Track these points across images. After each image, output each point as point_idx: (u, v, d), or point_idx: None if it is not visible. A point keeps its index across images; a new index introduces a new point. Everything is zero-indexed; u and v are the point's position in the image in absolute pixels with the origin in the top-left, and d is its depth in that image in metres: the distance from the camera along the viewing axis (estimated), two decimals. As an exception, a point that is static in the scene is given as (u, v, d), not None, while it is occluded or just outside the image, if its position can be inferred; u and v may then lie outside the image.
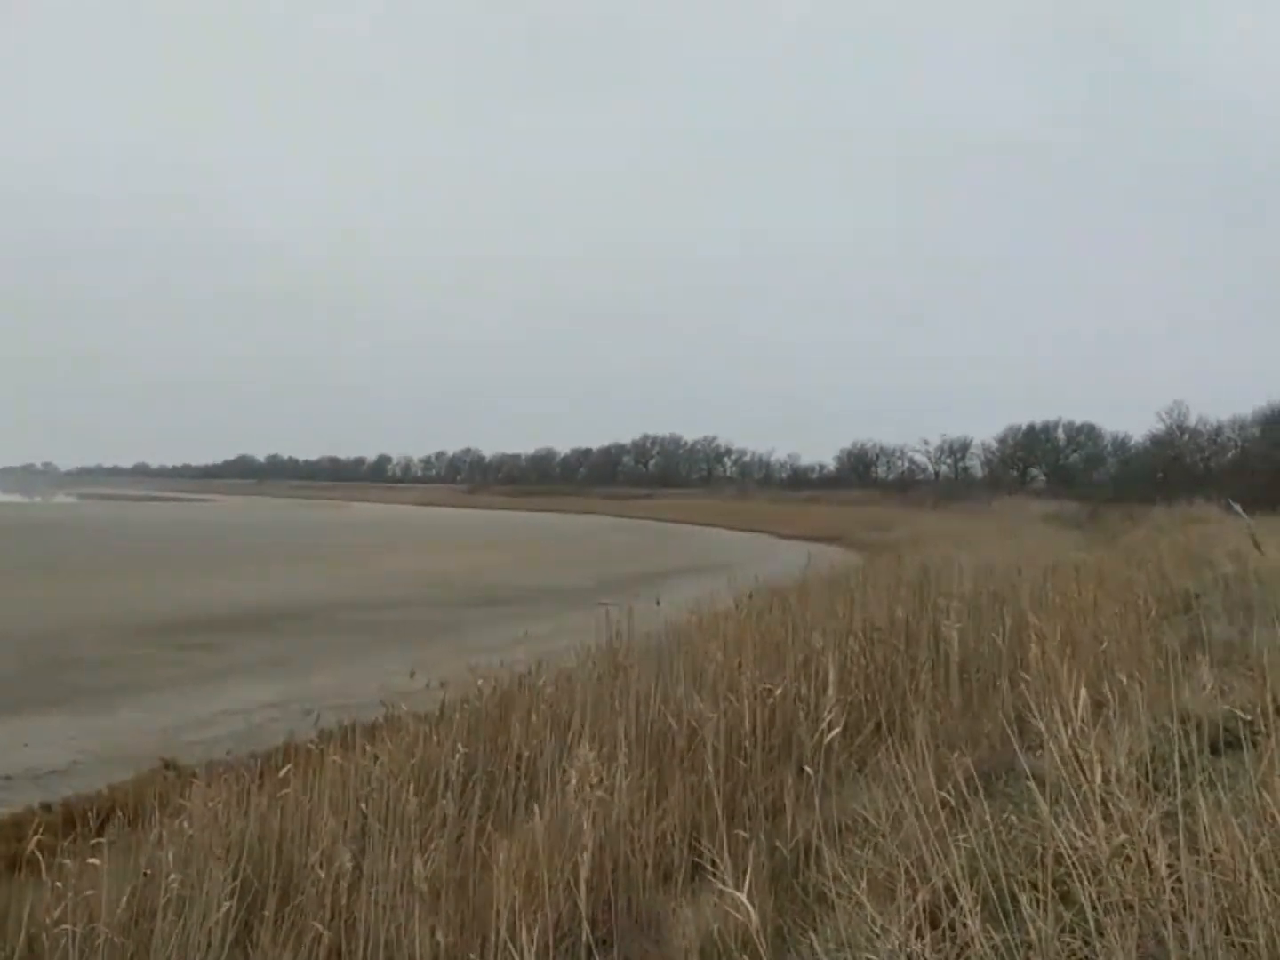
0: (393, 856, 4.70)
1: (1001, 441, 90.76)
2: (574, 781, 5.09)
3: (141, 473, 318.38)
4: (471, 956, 4.39)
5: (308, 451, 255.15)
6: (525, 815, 5.76)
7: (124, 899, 4.51)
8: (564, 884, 4.80)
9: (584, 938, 4.43)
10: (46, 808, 8.96)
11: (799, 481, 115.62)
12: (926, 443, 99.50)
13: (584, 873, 4.65)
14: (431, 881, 4.77)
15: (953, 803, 4.35)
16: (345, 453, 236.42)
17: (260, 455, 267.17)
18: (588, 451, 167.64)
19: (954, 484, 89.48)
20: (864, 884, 3.69)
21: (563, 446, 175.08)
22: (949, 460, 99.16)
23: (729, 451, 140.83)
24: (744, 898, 2.99)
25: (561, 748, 6.45)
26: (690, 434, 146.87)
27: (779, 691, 6.64)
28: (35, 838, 5.80)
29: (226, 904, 4.28)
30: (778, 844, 5.53)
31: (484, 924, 4.52)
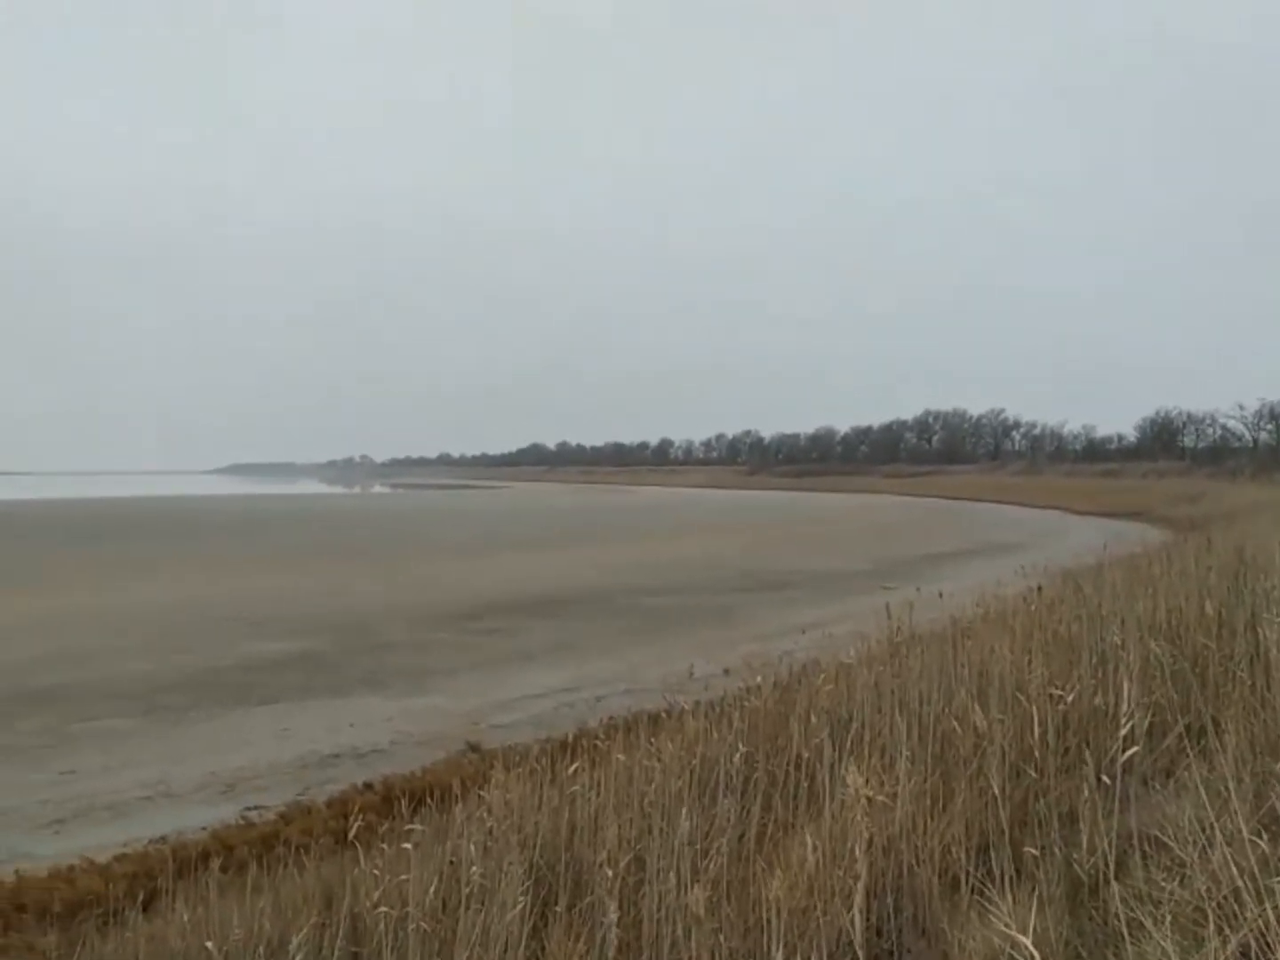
0: (676, 857, 4.81)
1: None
2: (853, 786, 5.03)
3: (445, 462, 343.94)
4: (754, 960, 4.44)
5: (594, 438, 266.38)
6: (806, 819, 5.75)
7: (432, 887, 4.86)
8: (844, 891, 4.76)
9: (867, 949, 4.38)
10: (369, 786, 9.79)
11: (1095, 454, 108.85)
12: (1242, 408, 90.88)
13: (864, 881, 4.60)
14: (714, 884, 4.85)
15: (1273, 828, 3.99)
16: (629, 438, 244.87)
17: (550, 443, 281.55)
18: (868, 429, 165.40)
19: (1276, 452, 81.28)
20: (1167, 920, 3.44)
21: (843, 425, 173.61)
22: (1269, 427, 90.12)
23: (1017, 424, 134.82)
24: (1028, 941, 2.85)
25: (841, 750, 6.39)
26: (975, 407, 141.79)
27: (1071, 698, 6.27)
28: (358, 821, 6.38)
29: (522, 899, 4.53)
30: (1073, 858, 5.25)
31: (765, 928, 4.55)
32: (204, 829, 9.20)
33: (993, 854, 5.18)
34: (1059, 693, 6.36)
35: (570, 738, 7.28)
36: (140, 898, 7.34)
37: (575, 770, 6.04)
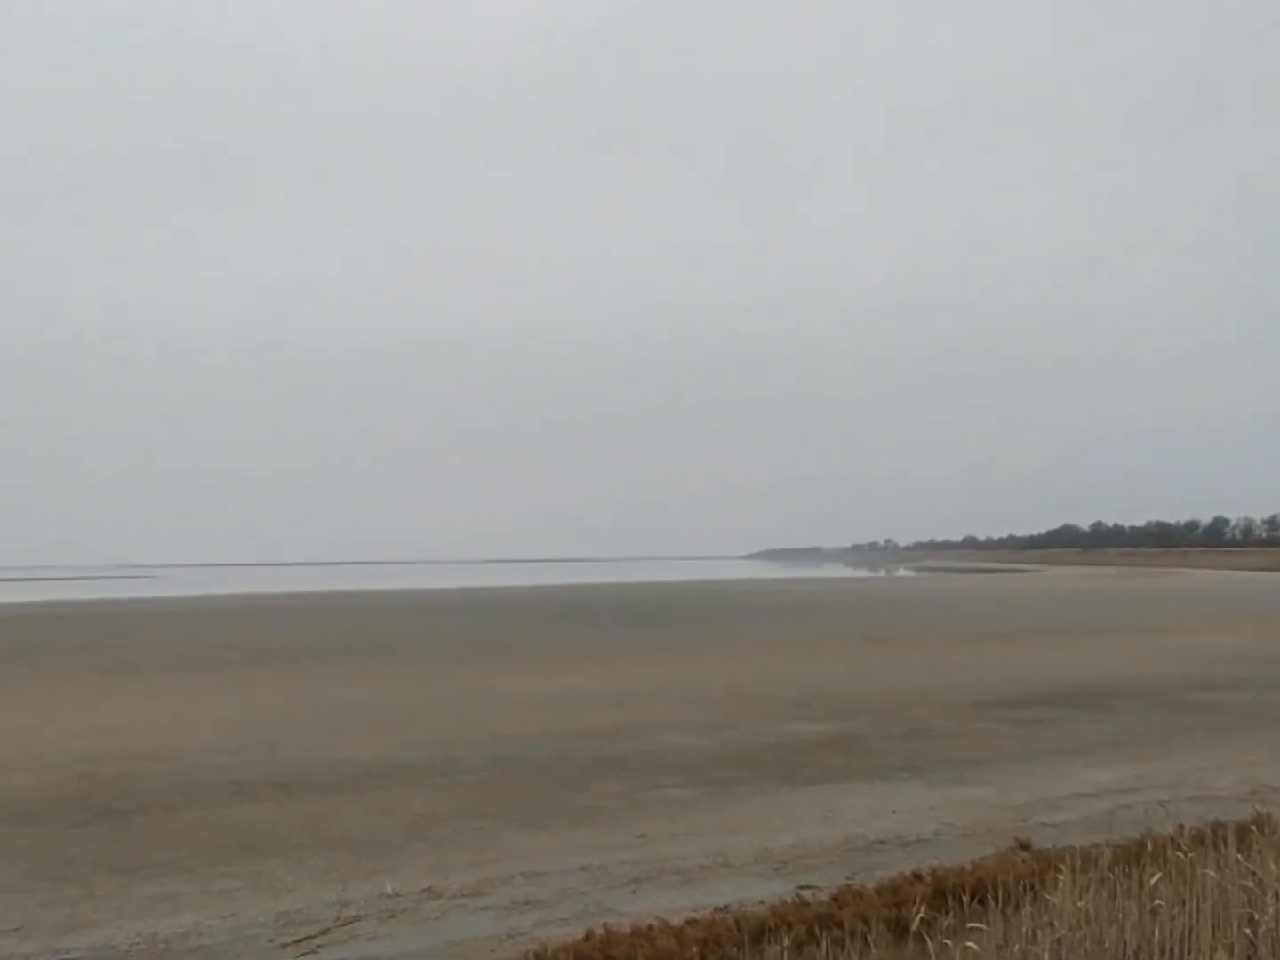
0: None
1: None
2: None
3: (969, 545, 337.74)
4: None
5: (1134, 517, 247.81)
6: None
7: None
8: None
9: None
10: (918, 877, 9.68)
11: None
12: None
13: None
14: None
15: None
16: (1175, 516, 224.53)
17: (1084, 524, 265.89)
18: None
19: None
20: None
21: None
22: None
23: None
24: None
25: None
26: None
27: None
28: (919, 913, 6.39)
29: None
30: None
31: None
32: (762, 902, 9.61)
33: None
34: None
35: (1149, 846, 6.74)
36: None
37: (1157, 883, 5.59)
